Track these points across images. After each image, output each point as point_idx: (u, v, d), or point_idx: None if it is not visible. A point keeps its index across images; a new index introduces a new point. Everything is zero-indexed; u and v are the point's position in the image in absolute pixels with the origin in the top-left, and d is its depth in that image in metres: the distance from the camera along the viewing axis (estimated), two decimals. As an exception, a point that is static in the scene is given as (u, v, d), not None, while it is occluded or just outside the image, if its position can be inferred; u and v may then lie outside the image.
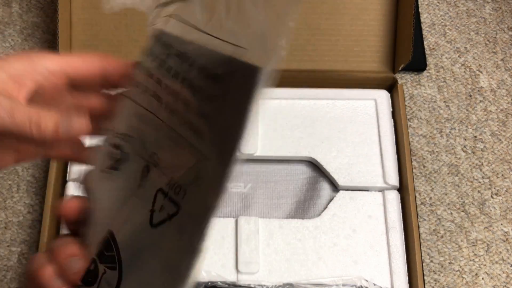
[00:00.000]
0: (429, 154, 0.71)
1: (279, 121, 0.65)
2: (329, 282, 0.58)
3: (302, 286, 0.58)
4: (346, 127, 0.65)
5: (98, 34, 0.58)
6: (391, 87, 0.68)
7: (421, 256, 0.59)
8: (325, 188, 0.64)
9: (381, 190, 0.62)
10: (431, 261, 0.65)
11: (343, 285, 0.58)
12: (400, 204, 0.62)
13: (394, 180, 0.62)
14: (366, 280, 0.58)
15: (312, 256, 0.59)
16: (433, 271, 0.65)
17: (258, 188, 0.63)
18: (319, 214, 0.61)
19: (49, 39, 0.77)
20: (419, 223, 0.66)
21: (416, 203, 0.61)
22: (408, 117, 0.73)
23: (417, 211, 0.61)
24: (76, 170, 0.62)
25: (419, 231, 0.60)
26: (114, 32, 0.57)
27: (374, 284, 0.58)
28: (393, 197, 0.62)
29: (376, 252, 0.59)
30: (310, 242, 0.60)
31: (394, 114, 0.66)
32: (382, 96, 0.66)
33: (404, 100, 0.66)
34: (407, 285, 0.58)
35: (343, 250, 0.59)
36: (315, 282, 0.58)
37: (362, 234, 0.60)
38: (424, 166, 0.70)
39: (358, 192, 0.62)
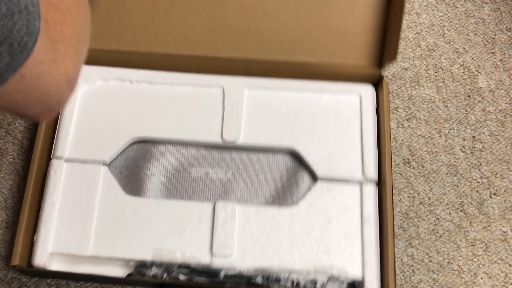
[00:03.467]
0: (428, 154, 0.71)
1: (263, 111, 0.66)
2: (300, 269, 0.59)
3: (274, 271, 0.59)
4: (329, 119, 0.65)
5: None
6: (377, 83, 0.68)
7: (394, 249, 0.59)
8: (305, 178, 0.64)
9: (360, 183, 0.63)
10: (430, 261, 0.65)
11: (314, 272, 0.58)
12: (377, 197, 0.62)
13: (373, 173, 0.62)
14: (337, 270, 0.58)
15: (286, 243, 0.60)
16: (432, 270, 0.64)
17: (238, 175, 0.64)
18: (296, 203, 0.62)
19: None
20: (418, 223, 0.66)
21: (392, 198, 0.61)
22: (407, 117, 0.73)
23: (393, 205, 0.61)
24: (60, 147, 0.64)
25: (393, 225, 0.60)
26: (106, 16, 0.60)
27: (345, 274, 0.58)
28: (371, 190, 0.62)
29: (349, 243, 0.60)
30: (285, 229, 0.60)
31: (378, 110, 0.66)
32: (367, 91, 0.67)
33: (389, 96, 0.66)
34: (379, 276, 0.58)
35: (317, 239, 0.60)
36: (287, 268, 0.59)
37: (337, 224, 0.61)
38: (422, 166, 0.70)
39: (336, 183, 0.63)
